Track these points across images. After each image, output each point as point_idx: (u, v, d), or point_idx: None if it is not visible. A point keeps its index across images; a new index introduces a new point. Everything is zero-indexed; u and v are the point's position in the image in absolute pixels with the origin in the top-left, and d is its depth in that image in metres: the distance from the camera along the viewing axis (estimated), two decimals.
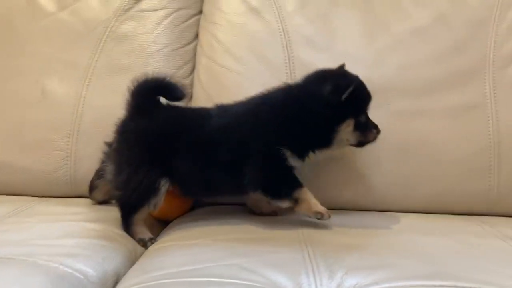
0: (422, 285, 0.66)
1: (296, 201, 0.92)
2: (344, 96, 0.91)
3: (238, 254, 0.79)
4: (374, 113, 1.00)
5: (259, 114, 0.94)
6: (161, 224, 1.05)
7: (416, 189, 1.09)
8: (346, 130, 0.94)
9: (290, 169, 0.92)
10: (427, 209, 1.11)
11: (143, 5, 1.27)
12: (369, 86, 1.02)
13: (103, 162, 1.03)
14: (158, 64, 1.23)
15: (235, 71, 1.18)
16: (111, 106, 1.19)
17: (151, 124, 0.95)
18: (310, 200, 0.91)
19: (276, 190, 0.93)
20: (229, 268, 0.74)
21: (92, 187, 1.08)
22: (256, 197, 0.99)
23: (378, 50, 1.17)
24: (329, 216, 0.91)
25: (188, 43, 1.27)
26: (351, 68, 1.15)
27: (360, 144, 0.97)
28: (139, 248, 0.92)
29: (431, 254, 0.82)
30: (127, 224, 0.94)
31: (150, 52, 1.23)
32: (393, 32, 1.19)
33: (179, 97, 0.99)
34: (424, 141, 1.10)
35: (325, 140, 0.95)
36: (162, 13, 1.27)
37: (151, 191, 0.91)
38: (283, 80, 1.14)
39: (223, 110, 0.98)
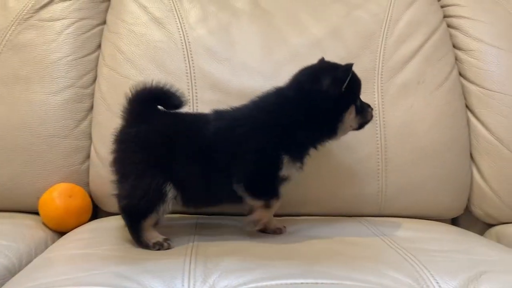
0: (286, 283, 0.69)
1: (267, 206, 0.95)
2: (344, 86, 0.93)
3: (121, 263, 0.81)
4: None
5: (255, 120, 0.95)
6: None
7: (308, 193, 1.15)
8: (350, 118, 0.97)
9: (280, 176, 0.94)
10: (321, 212, 1.16)
11: (44, 14, 1.25)
12: None
13: None
14: (59, 73, 1.22)
15: (135, 81, 1.17)
16: (8, 117, 1.18)
17: (151, 129, 0.94)
18: (272, 211, 0.97)
19: (260, 187, 0.94)
20: (108, 276, 0.75)
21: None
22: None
23: (276, 61, 1.22)
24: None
25: (90, 53, 1.26)
26: (249, 79, 1.21)
27: (361, 126, 1.01)
28: (24, 258, 0.91)
29: (312, 255, 0.87)
30: (137, 232, 0.90)
31: (50, 61, 1.22)
32: (291, 44, 1.24)
33: (177, 105, 0.98)
34: None
35: (330, 131, 0.98)
36: (64, 22, 1.26)
37: (159, 197, 0.89)
38: (183, 89, 1.18)
39: (219, 115, 0.98)
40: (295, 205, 1.15)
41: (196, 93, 1.18)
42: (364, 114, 1.00)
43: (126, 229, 0.93)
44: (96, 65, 1.26)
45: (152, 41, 1.22)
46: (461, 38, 1.33)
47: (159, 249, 0.88)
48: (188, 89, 1.19)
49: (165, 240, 0.90)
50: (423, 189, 1.19)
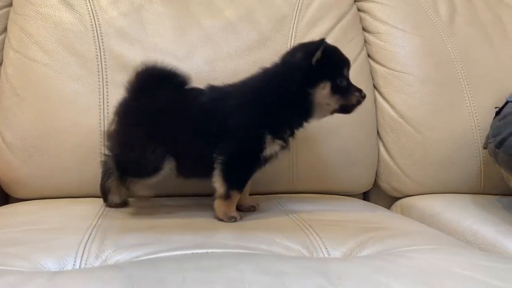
0: (177, 254, 0.71)
1: (228, 197, 0.93)
2: (314, 59, 0.92)
3: (17, 244, 0.79)
4: None
5: (242, 95, 0.95)
6: None
7: None
8: (323, 94, 0.93)
9: (258, 164, 0.93)
10: None
11: None
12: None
13: (106, 163, 1.01)
14: None
15: (43, 64, 1.16)
16: None
17: (153, 103, 0.95)
18: (234, 203, 0.95)
19: (228, 176, 0.93)
20: (2, 257, 0.74)
21: (104, 191, 1.02)
22: None
23: (189, 43, 1.23)
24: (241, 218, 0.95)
25: None
26: (161, 60, 1.21)
27: (344, 108, 0.97)
28: None
29: (212, 229, 0.89)
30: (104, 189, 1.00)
31: None
32: (204, 27, 1.25)
33: (181, 83, 0.99)
34: None
35: (304, 108, 0.94)
36: None
37: (157, 167, 0.93)
38: (93, 71, 1.17)
39: (213, 88, 0.99)
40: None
41: (106, 75, 1.17)
42: (345, 95, 0.95)
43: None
44: (2, 49, 1.22)
45: (61, 23, 1.20)
46: (370, 21, 1.39)
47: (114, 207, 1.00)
48: (99, 71, 1.17)
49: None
50: (332, 165, 1.24)
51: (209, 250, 0.73)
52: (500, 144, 0.99)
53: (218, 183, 0.94)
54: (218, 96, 0.97)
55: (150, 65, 1.00)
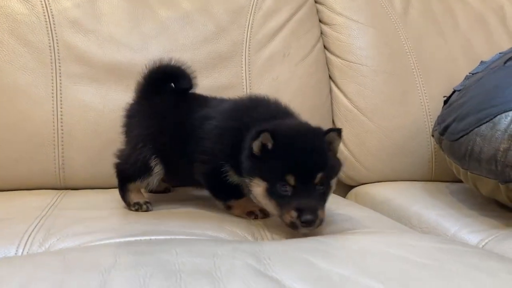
0: (120, 241, 0.72)
1: (229, 208, 0.90)
2: (254, 149, 0.78)
3: None
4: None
5: (221, 117, 0.88)
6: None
7: None
8: (257, 191, 0.79)
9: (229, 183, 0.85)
10: None
11: None
12: (133, 69, 1.10)
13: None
14: None
15: None
16: None
17: (150, 106, 0.97)
18: (243, 204, 0.88)
19: (215, 194, 0.91)
20: None
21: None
22: None
23: (144, 34, 1.23)
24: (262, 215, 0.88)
25: None
26: (116, 51, 1.21)
27: (290, 224, 0.77)
28: None
29: (164, 218, 0.89)
30: (123, 191, 0.96)
31: None
32: (160, 18, 1.26)
33: (185, 86, 0.97)
34: None
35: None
36: None
37: (146, 169, 0.93)
38: (46, 63, 1.16)
39: (211, 102, 0.96)
40: None
41: (60, 66, 1.17)
42: (283, 206, 0.75)
43: None
44: None
45: (12, 13, 1.18)
46: (326, 13, 1.41)
47: (137, 210, 0.93)
48: (52, 63, 1.17)
49: (146, 203, 0.94)
50: None
51: (153, 237, 0.74)
52: (444, 131, 1.02)
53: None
54: (207, 114, 0.91)
55: (154, 65, 0.99)
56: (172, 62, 0.99)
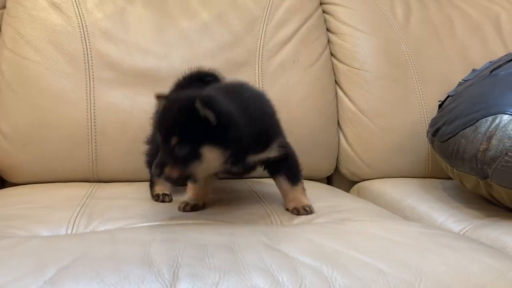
0: (161, 224, 0.85)
1: None
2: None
3: (16, 218, 0.93)
4: None
5: None
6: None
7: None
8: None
9: None
10: None
11: None
12: (158, 74, 1.26)
13: None
14: None
15: (35, 62, 1.28)
16: None
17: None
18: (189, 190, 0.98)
19: None
20: (2, 227, 0.87)
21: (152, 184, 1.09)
22: None
23: (167, 43, 1.36)
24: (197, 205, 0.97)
25: None
26: (142, 59, 1.34)
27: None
28: None
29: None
30: (151, 184, 1.07)
31: None
32: (181, 28, 1.39)
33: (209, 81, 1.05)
34: None
35: None
36: None
37: None
38: (81, 69, 1.30)
39: None
40: None
41: (93, 72, 1.30)
42: None
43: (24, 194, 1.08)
44: None
45: (50, 24, 1.32)
46: (333, 23, 1.54)
47: (156, 200, 1.04)
48: (85, 69, 1.30)
49: (164, 194, 1.04)
50: (296, 152, 1.38)
51: (179, 222, 0.87)
52: (435, 133, 1.15)
53: None
54: None
55: (194, 69, 1.08)
56: (207, 69, 1.11)
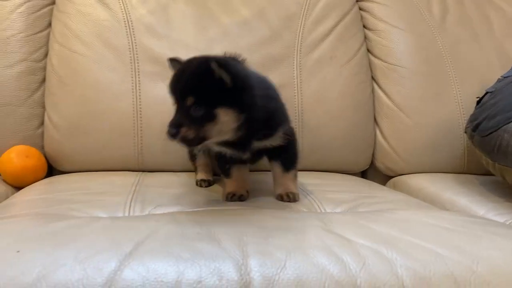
0: (208, 209, 0.89)
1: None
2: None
3: (75, 202, 0.98)
4: None
5: None
6: None
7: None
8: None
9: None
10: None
11: None
12: None
13: None
14: (12, 49, 1.35)
15: (83, 55, 1.34)
16: None
17: None
18: (227, 183, 1.01)
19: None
20: (62, 209, 0.92)
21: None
22: None
23: (209, 39, 1.40)
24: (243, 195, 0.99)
25: (41, 31, 1.40)
26: (185, 54, 1.38)
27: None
28: None
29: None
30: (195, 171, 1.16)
31: (3, 38, 1.35)
32: (222, 24, 1.43)
33: None
34: None
35: None
36: (15, 2, 1.39)
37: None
38: (126, 62, 1.35)
39: None
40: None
41: (138, 65, 1.35)
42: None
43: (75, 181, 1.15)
44: (47, 42, 1.40)
45: (98, 20, 1.38)
46: (370, 20, 1.56)
47: (196, 185, 1.13)
48: (131, 62, 1.35)
49: (201, 180, 1.13)
50: (333, 146, 1.41)
51: (231, 208, 0.91)
52: (475, 128, 1.16)
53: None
54: None
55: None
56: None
